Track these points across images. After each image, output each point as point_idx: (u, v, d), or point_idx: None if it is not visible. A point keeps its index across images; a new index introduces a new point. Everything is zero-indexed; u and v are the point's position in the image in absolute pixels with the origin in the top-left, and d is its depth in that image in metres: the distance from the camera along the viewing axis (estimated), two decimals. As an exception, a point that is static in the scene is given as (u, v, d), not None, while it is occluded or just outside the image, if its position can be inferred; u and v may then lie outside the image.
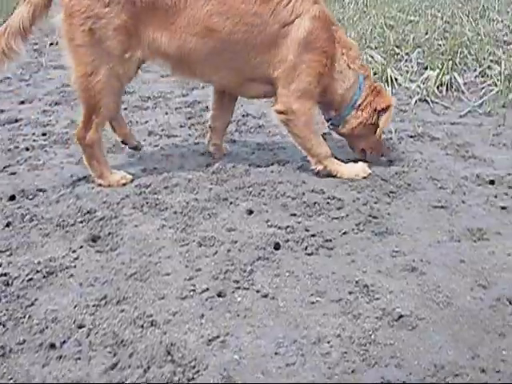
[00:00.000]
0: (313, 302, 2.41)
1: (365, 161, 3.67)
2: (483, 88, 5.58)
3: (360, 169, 3.59)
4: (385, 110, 3.62)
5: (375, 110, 3.62)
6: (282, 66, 3.40)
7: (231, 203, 3.21)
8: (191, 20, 3.29)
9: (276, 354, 2.14)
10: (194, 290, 2.48)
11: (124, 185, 3.45)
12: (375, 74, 5.61)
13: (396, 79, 5.69)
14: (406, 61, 6.44)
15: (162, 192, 3.36)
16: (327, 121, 3.84)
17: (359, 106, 3.63)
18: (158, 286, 2.52)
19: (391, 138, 4.27)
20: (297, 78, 3.41)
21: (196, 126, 4.38)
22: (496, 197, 3.39)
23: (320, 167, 3.57)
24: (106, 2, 3.17)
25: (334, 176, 3.58)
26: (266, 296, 2.45)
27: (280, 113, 3.49)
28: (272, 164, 3.72)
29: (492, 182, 3.57)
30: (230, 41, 3.34)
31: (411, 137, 4.19)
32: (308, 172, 3.62)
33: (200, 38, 3.32)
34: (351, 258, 2.72)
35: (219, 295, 2.46)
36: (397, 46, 6.74)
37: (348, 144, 3.88)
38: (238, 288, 2.50)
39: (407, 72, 6.07)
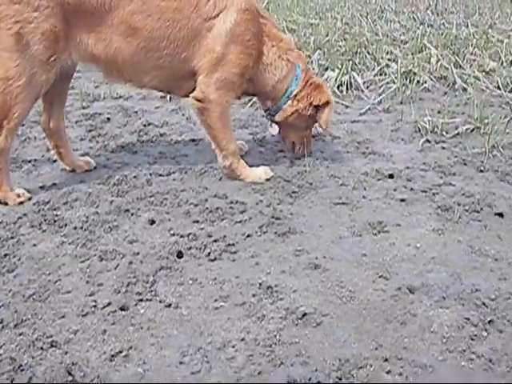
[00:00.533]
0: (217, 308, 2.39)
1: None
2: (382, 86, 5.74)
3: (262, 171, 3.59)
4: (323, 106, 3.67)
5: (311, 103, 3.66)
6: (208, 56, 3.38)
7: (133, 214, 3.14)
8: (115, 20, 3.27)
9: (181, 363, 2.11)
10: (95, 306, 2.41)
11: (21, 203, 3.31)
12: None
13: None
14: (308, 63, 6.54)
15: (61, 208, 3.24)
16: (265, 111, 3.86)
17: (295, 96, 3.66)
18: (58, 304, 2.43)
19: None
20: (221, 68, 3.40)
21: (97, 139, 4.27)
22: (395, 190, 3.48)
23: (226, 163, 3.55)
24: (35, 7, 3.08)
25: (237, 177, 3.57)
26: (169, 306, 2.41)
27: (197, 100, 3.44)
28: (174, 172, 3.66)
29: (391, 176, 3.67)
30: (153, 38, 3.33)
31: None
32: (211, 178, 3.60)
33: (124, 38, 3.30)
34: (255, 260, 2.72)
35: (122, 309, 2.40)
36: (298, 49, 6.83)
37: (281, 135, 3.94)
38: (141, 300, 2.45)
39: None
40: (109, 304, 2.41)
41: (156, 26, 3.31)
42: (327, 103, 3.68)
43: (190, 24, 3.34)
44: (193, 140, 4.23)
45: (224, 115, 3.51)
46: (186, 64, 3.43)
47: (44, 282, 2.58)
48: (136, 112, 4.90)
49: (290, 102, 3.67)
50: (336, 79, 5.63)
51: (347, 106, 5.14)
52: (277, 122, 3.83)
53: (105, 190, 3.44)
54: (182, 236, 2.91)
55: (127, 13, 3.27)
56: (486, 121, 4.70)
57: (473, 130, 4.60)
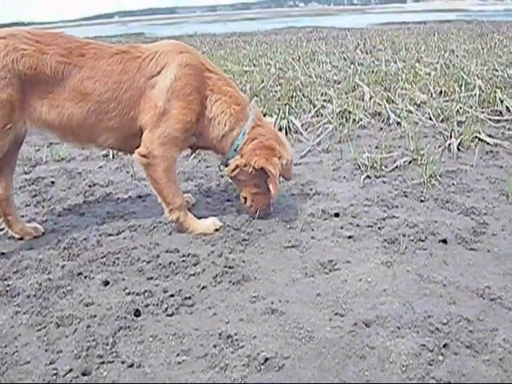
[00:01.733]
0: (179, 362, 2.40)
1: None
2: (319, 127, 5.92)
3: (211, 222, 3.63)
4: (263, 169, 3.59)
5: (250, 163, 3.60)
6: (151, 112, 3.42)
7: (86, 277, 3.12)
8: (67, 88, 3.36)
9: (149, 421, 2.11)
10: (56, 374, 2.37)
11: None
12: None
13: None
14: (246, 110, 6.67)
15: (12, 277, 3.20)
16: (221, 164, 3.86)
17: (241, 149, 3.65)
18: (18, 376, 2.38)
19: (234, 190, 4.30)
20: (164, 123, 3.43)
21: (42, 203, 4.25)
22: (342, 228, 3.58)
23: (173, 217, 3.58)
24: None
25: (186, 231, 3.61)
26: (131, 365, 2.40)
27: (142, 156, 3.47)
28: (124, 231, 3.68)
29: (337, 215, 3.78)
30: (102, 101, 3.40)
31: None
32: (161, 233, 3.63)
33: (76, 103, 3.38)
34: (212, 311, 2.74)
35: (84, 374, 2.37)
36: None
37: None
38: (103, 363, 2.42)
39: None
40: (70, 370, 2.38)
41: (104, 90, 3.39)
42: (263, 169, 3.58)
43: (134, 84, 3.42)
44: (139, 197, 4.26)
45: (169, 170, 3.53)
46: (135, 122, 3.49)
47: (1, 355, 2.53)
48: (80, 173, 4.91)
49: (236, 156, 3.67)
50: (275, 124, 5.77)
51: (288, 150, 5.27)
52: (229, 176, 3.82)
53: (55, 254, 3.42)
54: (137, 294, 2.91)
55: (78, 80, 3.36)
56: (421, 152, 4.90)
57: (410, 162, 4.79)
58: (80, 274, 3.16)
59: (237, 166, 3.65)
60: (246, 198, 3.81)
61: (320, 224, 3.65)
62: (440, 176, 4.39)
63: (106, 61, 3.41)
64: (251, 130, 3.68)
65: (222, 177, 4.23)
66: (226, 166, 3.74)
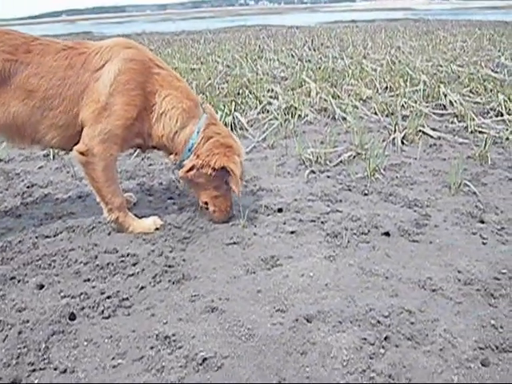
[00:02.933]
0: (115, 366, 2.31)
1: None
2: (265, 123, 5.88)
3: (151, 221, 3.54)
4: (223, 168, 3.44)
5: (209, 163, 3.44)
6: (93, 106, 3.29)
7: (19, 281, 2.99)
8: (13, 85, 3.25)
9: (81, 429, 2.03)
10: (-16, 384, 2.28)
11: None
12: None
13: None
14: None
15: None
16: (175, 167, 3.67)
17: (197, 149, 3.47)
18: None
19: (177, 187, 4.30)
20: (105, 119, 3.29)
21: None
22: (285, 223, 3.54)
23: (112, 217, 3.47)
24: None
25: (126, 230, 3.51)
26: (64, 371, 2.30)
27: (80, 153, 3.32)
28: (61, 232, 3.55)
29: (280, 210, 3.74)
30: (47, 98, 3.29)
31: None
32: (100, 233, 3.52)
33: (21, 101, 3.27)
34: (150, 311, 2.66)
35: (14, 382, 2.26)
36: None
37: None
38: (34, 370, 2.32)
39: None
40: (-1, 379, 2.29)
41: (49, 86, 3.28)
42: (225, 168, 3.43)
43: (79, 79, 3.30)
44: (79, 197, 4.14)
45: (108, 169, 3.39)
46: (79, 119, 3.36)
47: None
48: (18, 174, 4.75)
49: (191, 156, 3.48)
50: (220, 121, 5.70)
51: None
52: (181, 178, 3.63)
53: (-11, 259, 3.29)
54: (73, 297, 2.81)
55: (24, 77, 3.26)
56: (366, 146, 4.90)
57: (355, 156, 4.79)
58: (13, 278, 3.03)
59: (193, 167, 3.44)
60: (206, 203, 3.60)
61: (263, 220, 3.60)
62: (384, 169, 4.40)
63: (52, 57, 3.30)
64: (206, 127, 3.51)
65: (179, 182, 4.12)
66: (181, 168, 3.52)
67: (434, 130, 5.59)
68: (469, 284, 2.84)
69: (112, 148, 3.36)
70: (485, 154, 4.74)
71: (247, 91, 7.35)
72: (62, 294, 2.85)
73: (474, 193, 3.98)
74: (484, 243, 3.27)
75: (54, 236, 3.52)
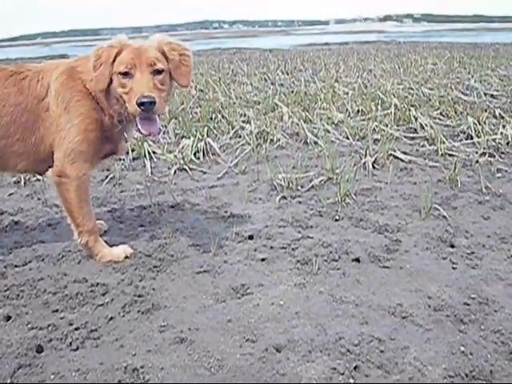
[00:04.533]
0: (81, 400, 2.28)
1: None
2: (237, 148, 5.89)
3: (121, 250, 3.50)
4: None
5: None
6: (54, 133, 3.28)
7: (-14, 312, 2.96)
8: None
9: None
10: None
11: None
12: (133, 150, 5.67)
13: (154, 152, 5.78)
14: (164, 133, 6.60)
15: None
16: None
17: None
18: None
19: (152, 212, 4.27)
20: (66, 140, 3.26)
21: None
22: (255, 250, 3.53)
23: (83, 240, 3.44)
24: None
25: (95, 256, 3.46)
26: (30, 406, 2.27)
27: (54, 175, 3.31)
28: (31, 261, 3.50)
29: (251, 237, 3.73)
30: (2, 125, 3.28)
31: (172, 207, 4.25)
32: (69, 262, 3.47)
33: None
34: (119, 343, 2.62)
35: (-22, 421, 2.23)
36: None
37: None
38: (-1, 405, 2.29)
39: (165, 143, 6.21)
40: (-39, 417, 2.23)
41: (2, 113, 3.26)
42: None
43: (28, 106, 3.29)
44: (49, 225, 4.09)
45: (81, 189, 3.37)
46: (40, 146, 3.34)
47: None
48: (-12, 202, 4.70)
49: None
50: (192, 146, 5.71)
51: (204, 172, 5.22)
52: None
53: (-46, 290, 3.23)
54: (41, 328, 2.76)
55: None
56: (337, 171, 4.94)
57: (326, 181, 4.82)
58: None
59: None
60: None
61: (234, 247, 3.59)
62: (355, 194, 4.43)
63: (2, 83, 3.29)
64: None
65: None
66: None
67: (404, 153, 5.65)
68: (439, 310, 2.85)
69: (83, 166, 3.34)
70: (455, 177, 4.80)
71: (220, 116, 7.38)
72: (29, 326, 2.80)
73: (444, 217, 4.02)
74: (454, 268, 3.29)
75: (23, 265, 3.46)
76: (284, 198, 4.46)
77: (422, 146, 6.09)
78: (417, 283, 3.12)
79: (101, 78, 3.16)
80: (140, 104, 2.99)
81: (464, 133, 6.53)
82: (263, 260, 3.40)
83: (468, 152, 5.74)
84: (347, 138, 6.27)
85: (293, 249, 3.53)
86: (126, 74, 3.10)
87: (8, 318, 2.91)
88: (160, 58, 3.15)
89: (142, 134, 3.21)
